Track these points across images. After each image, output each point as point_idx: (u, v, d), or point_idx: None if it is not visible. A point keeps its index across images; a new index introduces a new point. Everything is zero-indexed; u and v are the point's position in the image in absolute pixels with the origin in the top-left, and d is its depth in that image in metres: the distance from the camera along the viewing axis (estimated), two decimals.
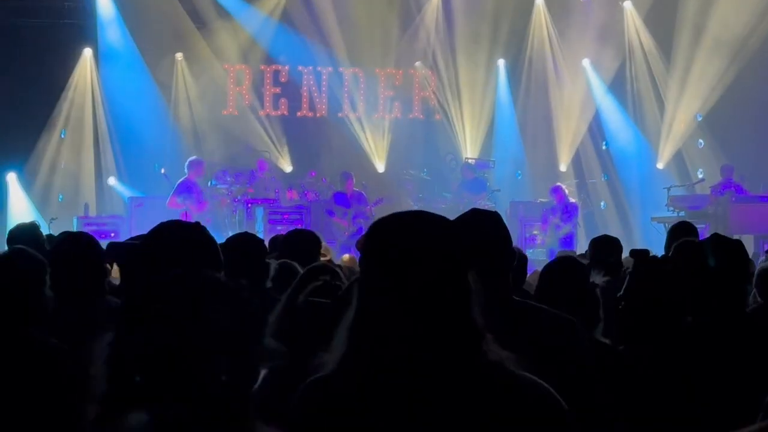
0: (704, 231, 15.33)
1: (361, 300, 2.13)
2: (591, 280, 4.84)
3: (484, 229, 3.29)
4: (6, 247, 7.52)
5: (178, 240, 3.00)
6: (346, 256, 10.64)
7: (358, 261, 6.80)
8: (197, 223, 3.18)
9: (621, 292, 3.85)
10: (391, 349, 2.05)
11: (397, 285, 2.07)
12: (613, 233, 8.78)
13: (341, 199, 16.92)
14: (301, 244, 5.88)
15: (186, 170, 15.78)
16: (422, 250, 2.10)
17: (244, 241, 5.32)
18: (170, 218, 3.14)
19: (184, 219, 15.00)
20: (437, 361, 2.04)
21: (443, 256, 2.12)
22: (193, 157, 15.96)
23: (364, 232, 3.47)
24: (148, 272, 2.87)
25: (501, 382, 2.09)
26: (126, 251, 3.25)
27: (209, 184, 16.97)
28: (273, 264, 5.09)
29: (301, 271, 4.57)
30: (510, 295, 3.38)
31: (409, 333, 2.05)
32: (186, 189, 15.53)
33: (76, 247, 4.63)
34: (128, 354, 1.85)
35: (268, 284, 4.98)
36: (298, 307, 3.67)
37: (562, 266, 4.75)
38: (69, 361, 3.13)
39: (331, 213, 16.90)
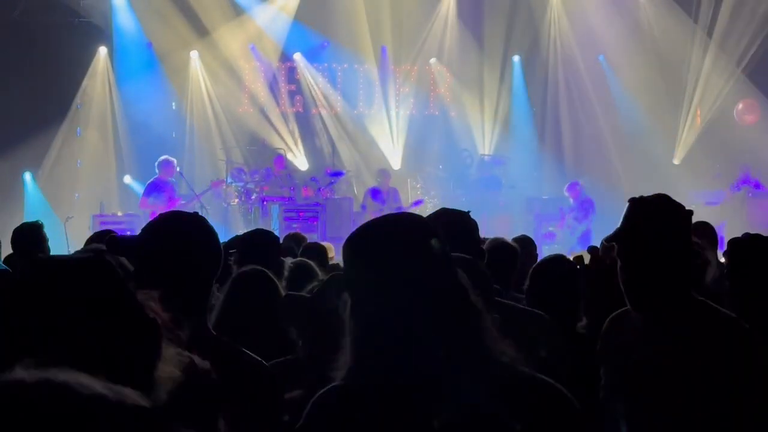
0: (721, 227, 15.26)
1: (356, 308, 2.12)
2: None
3: (452, 226, 3.47)
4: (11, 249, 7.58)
5: (178, 236, 2.96)
6: None
7: None
8: (196, 215, 3.12)
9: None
10: (394, 355, 2.03)
11: (386, 287, 2.05)
12: None
13: (377, 194, 16.91)
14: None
15: (156, 170, 15.78)
16: (402, 248, 2.09)
17: (260, 237, 5.32)
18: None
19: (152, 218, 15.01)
20: (445, 364, 2.02)
21: (425, 252, 2.09)
22: (163, 157, 15.90)
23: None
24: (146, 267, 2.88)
25: (512, 383, 2.06)
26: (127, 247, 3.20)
27: (226, 181, 16.99)
28: (288, 262, 5.08)
29: (318, 270, 4.59)
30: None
31: (409, 337, 2.02)
32: (155, 188, 15.54)
33: None
34: None
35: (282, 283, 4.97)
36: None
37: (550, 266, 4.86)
38: None
39: (364, 208, 16.91)
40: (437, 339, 2.02)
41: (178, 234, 2.96)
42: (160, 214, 3.08)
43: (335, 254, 8.32)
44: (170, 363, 1.95)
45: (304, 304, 3.27)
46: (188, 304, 2.84)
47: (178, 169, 15.84)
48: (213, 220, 15.00)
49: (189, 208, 15.72)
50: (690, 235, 3.20)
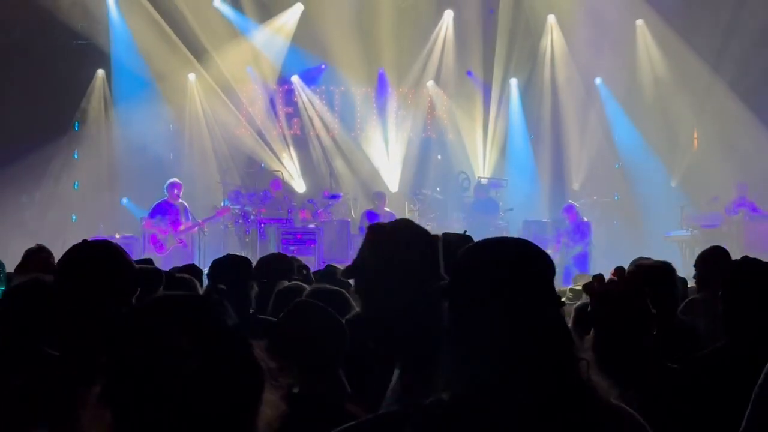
0: None
1: (461, 327, 2.12)
2: None
3: None
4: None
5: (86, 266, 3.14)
6: None
7: None
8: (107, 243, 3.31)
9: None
10: (496, 377, 2.05)
11: (498, 311, 2.06)
12: (626, 252, 8.74)
13: (373, 217, 16.83)
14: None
15: (165, 192, 15.82)
16: (519, 279, 2.10)
17: (229, 262, 5.41)
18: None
19: (152, 241, 15.15)
20: (543, 390, 2.04)
21: (542, 283, 2.12)
22: (171, 179, 15.96)
23: None
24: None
25: (600, 412, 2.09)
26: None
27: (223, 203, 16.98)
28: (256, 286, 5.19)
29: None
30: None
31: (513, 359, 2.04)
32: (160, 210, 15.61)
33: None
34: None
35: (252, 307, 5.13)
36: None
37: None
38: None
39: (362, 230, 16.82)
40: (542, 368, 2.05)
41: (80, 268, 3.15)
42: (70, 248, 3.24)
43: None
44: (270, 408, 1.96)
45: (270, 327, 3.34)
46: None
47: (176, 191, 15.85)
48: (210, 243, 14.99)
49: (191, 234, 15.74)
50: (437, 263, 2.87)
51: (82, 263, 3.16)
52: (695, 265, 6.19)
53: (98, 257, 3.17)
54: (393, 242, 2.89)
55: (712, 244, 6.63)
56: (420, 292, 2.76)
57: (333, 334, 3.31)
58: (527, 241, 2.23)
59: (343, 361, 3.34)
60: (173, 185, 15.80)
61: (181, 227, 15.64)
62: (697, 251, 6.50)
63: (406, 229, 2.96)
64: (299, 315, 3.41)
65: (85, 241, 3.36)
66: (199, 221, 15.90)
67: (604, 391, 2.12)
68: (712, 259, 6.11)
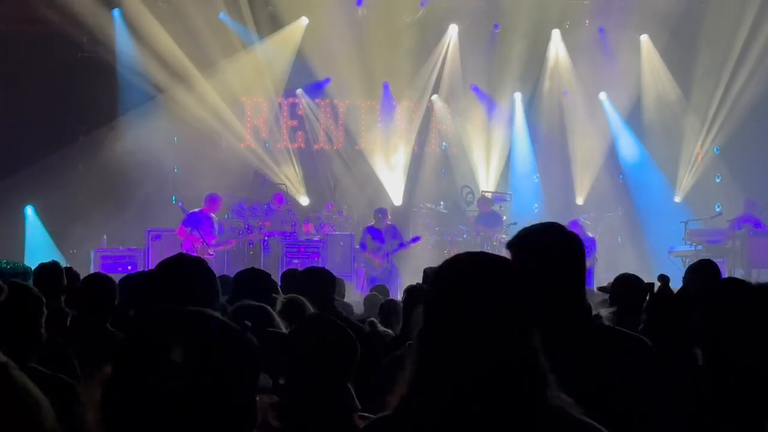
0: (722, 265, 15.23)
1: (423, 344, 2.10)
2: (595, 312, 4.87)
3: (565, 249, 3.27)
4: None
5: (181, 274, 3.12)
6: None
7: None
8: (198, 258, 3.30)
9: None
10: (452, 393, 2.02)
11: (460, 331, 2.04)
12: (630, 267, 8.73)
13: (376, 234, 16.72)
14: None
15: (202, 203, 15.80)
16: (484, 296, 2.07)
17: (251, 276, 5.40)
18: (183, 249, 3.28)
19: (184, 248, 14.99)
20: (499, 408, 2.02)
21: (506, 301, 2.08)
22: (214, 193, 15.88)
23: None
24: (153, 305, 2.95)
25: (562, 428, 2.07)
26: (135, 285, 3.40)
27: (225, 216, 16.97)
28: (279, 299, 5.14)
29: (310, 307, 4.62)
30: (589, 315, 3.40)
31: (470, 379, 2.02)
32: (193, 220, 15.48)
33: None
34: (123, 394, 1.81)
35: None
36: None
37: None
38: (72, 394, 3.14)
39: (363, 247, 16.71)
40: (499, 387, 2.03)
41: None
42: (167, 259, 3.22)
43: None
44: None
45: (281, 341, 3.33)
46: None
47: (216, 204, 15.77)
48: (214, 255, 14.89)
49: (219, 251, 15.68)
50: None
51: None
52: (684, 277, 6.22)
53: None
54: None
55: (713, 258, 6.65)
56: None
57: (345, 348, 3.30)
58: (496, 256, 2.19)
59: (354, 375, 3.34)
60: (215, 199, 15.73)
61: (215, 240, 15.60)
62: None
63: None
64: (311, 328, 3.40)
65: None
66: (231, 239, 15.96)
67: (571, 408, 2.10)
68: (700, 271, 6.14)
